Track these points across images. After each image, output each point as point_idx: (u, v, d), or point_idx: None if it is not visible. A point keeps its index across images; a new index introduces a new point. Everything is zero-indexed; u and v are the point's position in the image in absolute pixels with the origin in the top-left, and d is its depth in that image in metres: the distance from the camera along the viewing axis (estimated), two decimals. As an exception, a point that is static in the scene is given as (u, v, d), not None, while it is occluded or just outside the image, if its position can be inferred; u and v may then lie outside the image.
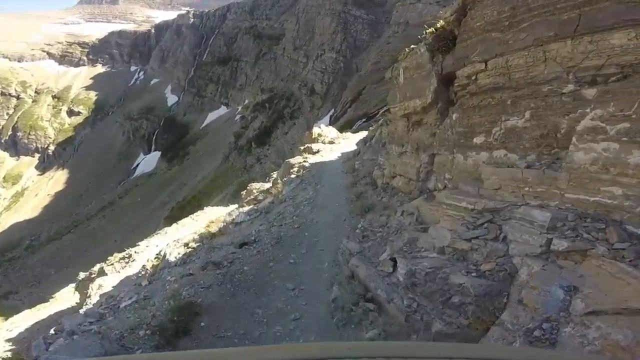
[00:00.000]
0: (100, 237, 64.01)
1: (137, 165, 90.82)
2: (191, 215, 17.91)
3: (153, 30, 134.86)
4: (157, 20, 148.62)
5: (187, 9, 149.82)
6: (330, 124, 49.23)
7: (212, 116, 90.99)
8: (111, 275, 13.58)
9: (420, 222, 5.46)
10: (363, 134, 21.62)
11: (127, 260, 14.88)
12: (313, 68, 64.73)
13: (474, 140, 5.29)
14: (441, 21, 6.37)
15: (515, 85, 4.54)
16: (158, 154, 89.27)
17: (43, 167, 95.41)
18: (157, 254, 12.55)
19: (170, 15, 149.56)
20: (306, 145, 19.23)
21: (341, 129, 34.08)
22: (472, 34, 5.16)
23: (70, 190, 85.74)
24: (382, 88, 48.32)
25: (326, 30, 65.12)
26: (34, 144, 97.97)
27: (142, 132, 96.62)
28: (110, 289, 11.75)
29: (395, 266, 4.90)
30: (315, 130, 22.05)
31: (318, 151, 17.30)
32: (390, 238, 5.70)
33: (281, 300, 5.81)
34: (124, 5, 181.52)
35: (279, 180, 14.17)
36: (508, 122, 4.67)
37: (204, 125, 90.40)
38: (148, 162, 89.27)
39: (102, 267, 14.82)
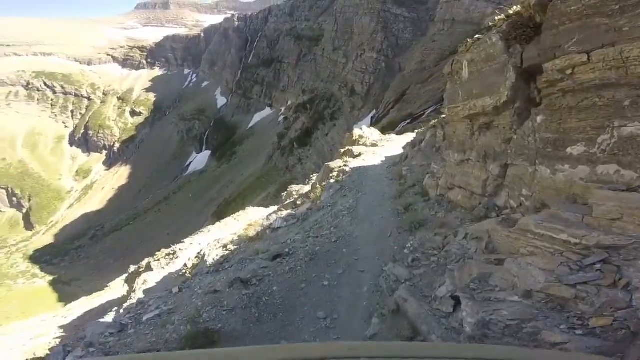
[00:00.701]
0: (155, 230, 68.11)
1: (190, 163, 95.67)
2: (233, 215, 18.19)
3: (202, 34, 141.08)
4: (206, 25, 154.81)
5: (232, 12, 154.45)
6: (371, 126, 48.45)
7: (257, 117, 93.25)
8: (156, 270, 13.93)
9: (492, 250, 4.35)
10: (408, 136, 20.19)
11: (171, 256, 15.27)
12: (353, 68, 63.66)
13: (568, 150, 4.10)
14: (516, 7, 5.25)
15: (637, 82, 3.37)
16: (208, 152, 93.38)
17: (109, 163, 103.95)
18: (197, 253, 12.67)
19: (217, 19, 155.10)
20: (347, 148, 17.81)
21: (383, 131, 32.90)
22: (565, 19, 4.03)
23: (131, 184, 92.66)
24: (428, 88, 46.90)
25: (365, 30, 63.73)
26: (102, 142, 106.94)
27: (194, 132, 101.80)
28: (154, 284, 12.01)
29: (457, 306, 3.93)
30: (356, 132, 20.68)
31: (360, 154, 15.82)
32: (449, 266, 4.67)
33: (310, 332, 5.10)
34: (175, 10, 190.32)
35: (317, 185, 13.38)
36: (624, 129, 3.49)
37: (250, 126, 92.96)
38: (199, 160, 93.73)
39: (150, 262, 15.26)
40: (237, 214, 18.11)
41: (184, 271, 11.63)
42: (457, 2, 52.20)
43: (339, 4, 74.08)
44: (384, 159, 14.41)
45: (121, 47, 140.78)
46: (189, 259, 13.07)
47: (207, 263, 9.84)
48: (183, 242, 16.61)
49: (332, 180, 12.23)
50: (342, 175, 12.45)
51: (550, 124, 4.34)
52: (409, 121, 43.24)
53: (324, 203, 10.14)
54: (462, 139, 7.04)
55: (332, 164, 14.75)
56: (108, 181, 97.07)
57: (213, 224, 29.61)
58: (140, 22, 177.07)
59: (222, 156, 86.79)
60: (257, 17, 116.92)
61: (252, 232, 10.61)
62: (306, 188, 17.00)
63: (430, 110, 42.68)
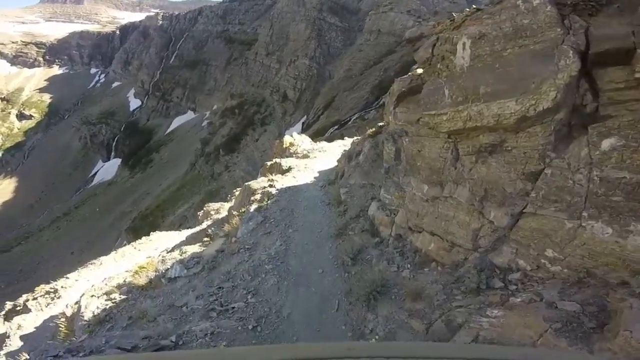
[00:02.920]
0: (56, 249, 61.03)
1: (96, 173, 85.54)
2: (133, 243, 14.49)
3: (118, 32, 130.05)
4: (123, 22, 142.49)
5: (157, 10, 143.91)
6: (302, 131, 48.06)
7: (177, 121, 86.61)
8: (35, 312, 11.14)
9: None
10: (340, 143, 18.91)
11: (53, 295, 12.24)
12: (286, 74, 63.48)
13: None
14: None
15: None
16: (118, 161, 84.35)
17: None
18: (75, 302, 9.59)
19: (137, 17, 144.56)
20: (274, 161, 15.00)
21: (314, 136, 32.40)
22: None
23: (19, 199, 79.98)
24: (354, 95, 49.04)
25: (300, 37, 64.21)
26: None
27: (100, 138, 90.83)
28: (32, 329, 9.76)
29: None
30: (287, 139, 18.73)
31: (289, 169, 13.28)
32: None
33: None
34: (89, 5, 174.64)
35: (234, 212, 10.43)
36: None
37: (169, 131, 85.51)
38: (107, 169, 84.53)
39: (27, 300, 12.14)
40: (139, 241, 14.38)
41: (61, 327, 8.63)
42: (384, 14, 54.94)
43: (277, 10, 73.90)
44: (317, 174, 12.19)
45: (13, 42, 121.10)
46: (67, 306, 10.03)
47: (84, 317, 7.47)
48: (67, 277, 13.17)
49: (252, 207, 9.38)
50: (266, 199, 9.73)
51: (632, 155, 2.52)
52: (337, 127, 44.41)
53: (240, 243, 7.54)
54: (436, 165, 5.01)
55: (254, 184, 11.76)
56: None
57: (129, 241, 25.40)
58: (44, 17, 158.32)
59: (135, 164, 78.83)
60: (185, 17, 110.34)
61: (142, 279, 7.88)
62: (227, 207, 14.17)
63: (355, 117, 43.75)
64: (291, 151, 17.34)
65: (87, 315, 7.46)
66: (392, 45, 51.25)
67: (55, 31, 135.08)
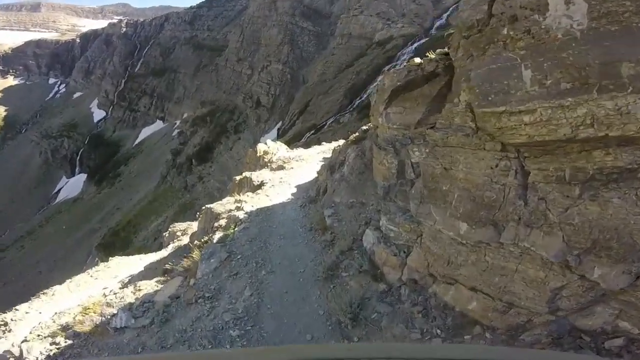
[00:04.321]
0: (22, 269, 57.58)
1: (60, 190, 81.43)
2: (89, 271, 12.58)
3: (78, 40, 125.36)
4: (84, 29, 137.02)
5: (120, 17, 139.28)
6: (278, 137, 47.47)
7: (146, 132, 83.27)
8: None
9: None
10: (318, 150, 17.41)
11: (3, 329, 10.78)
12: (259, 80, 62.68)
13: None
14: None
15: None
16: (84, 176, 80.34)
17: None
18: (22, 340, 8.39)
19: (100, 24, 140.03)
20: (244, 176, 13.11)
21: (290, 142, 31.93)
22: None
23: None
24: (328, 99, 49.42)
25: (273, 42, 63.61)
26: None
27: (63, 152, 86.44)
28: None
29: None
30: (260, 147, 17.23)
31: (261, 184, 11.47)
32: None
33: None
34: (47, 12, 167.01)
35: (195, 242, 8.71)
36: None
37: (137, 142, 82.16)
38: (72, 185, 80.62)
39: None
40: (96, 268, 12.48)
41: None
42: (354, 17, 55.25)
43: (248, 15, 73.05)
44: (295, 189, 10.55)
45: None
46: (12, 345, 8.80)
47: None
48: (16, 309, 11.74)
49: (216, 237, 7.61)
50: (232, 226, 7.94)
51: None
52: (313, 132, 44.55)
53: (198, 288, 6.02)
54: (484, 195, 3.56)
55: (218, 207, 9.85)
56: (-62, 216, 74.54)
57: (101, 258, 23.46)
58: None
59: (102, 179, 75.26)
60: (151, 24, 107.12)
61: (87, 325, 6.57)
62: (194, 227, 12.35)
63: (331, 120, 43.76)
64: (265, 160, 15.83)
65: (29, 363, 6.44)
66: (364, 48, 51.88)
67: (10, 40, 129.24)
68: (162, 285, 6.97)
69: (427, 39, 43.54)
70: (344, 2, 61.39)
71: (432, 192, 4.32)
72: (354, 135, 9.86)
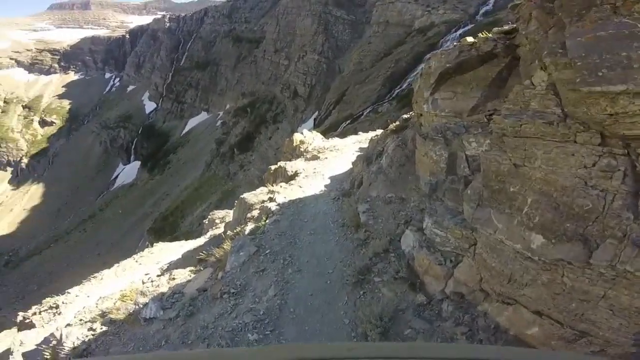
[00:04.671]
0: (83, 251, 61.52)
1: (117, 176, 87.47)
2: (135, 256, 13.64)
3: (127, 36, 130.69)
4: (132, 26, 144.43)
5: (163, 13, 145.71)
6: (314, 127, 48.24)
7: (192, 122, 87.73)
8: (38, 327, 10.30)
9: None
10: (354, 139, 17.36)
11: (54, 310, 11.54)
12: (295, 70, 63.28)
13: None
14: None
15: None
16: (138, 163, 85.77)
17: (17, 181, 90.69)
18: (66, 324, 8.66)
19: (145, 20, 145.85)
20: (278, 165, 13.03)
21: (326, 132, 32.08)
22: None
23: (47, 204, 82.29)
24: (365, 88, 48.20)
25: (307, 32, 63.93)
26: (6, 157, 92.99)
27: (120, 142, 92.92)
28: (32, 347, 8.63)
29: None
30: (297, 137, 17.40)
31: (295, 174, 11.20)
32: None
33: None
34: (96, 10, 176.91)
35: (229, 232, 8.65)
36: None
37: (184, 132, 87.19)
38: (128, 172, 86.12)
39: (26, 316, 11.15)
40: (141, 253, 13.57)
41: (46, 355, 7.64)
42: (391, 4, 53.77)
43: (282, 6, 73.22)
44: (328, 181, 10.14)
45: (28, 50, 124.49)
46: (57, 329, 9.10)
47: (65, 349, 6.91)
48: (68, 292, 12.69)
49: (247, 228, 7.54)
50: (264, 218, 7.78)
51: None
52: (349, 121, 44.07)
53: (225, 283, 6.00)
54: (574, 203, 2.93)
55: (251, 197, 9.70)
56: (17, 202, 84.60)
57: (151, 242, 25.46)
58: (54, 24, 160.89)
59: (154, 166, 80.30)
60: (192, 18, 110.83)
61: (122, 313, 6.91)
62: (231, 215, 12.15)
63: (368, 110, 43.81)
64: (302, 150, 15.81)
65: (68, 345, 7.06)
66: (402, 36, 50.30)
67: (67, 37, 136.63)
68: (194, 276, 7.22)
69: (472, 25, 40.48)
70: (378, -10, 60.09)
71: (494, 193, 3.53)
72: (394, 124, 9.09)
